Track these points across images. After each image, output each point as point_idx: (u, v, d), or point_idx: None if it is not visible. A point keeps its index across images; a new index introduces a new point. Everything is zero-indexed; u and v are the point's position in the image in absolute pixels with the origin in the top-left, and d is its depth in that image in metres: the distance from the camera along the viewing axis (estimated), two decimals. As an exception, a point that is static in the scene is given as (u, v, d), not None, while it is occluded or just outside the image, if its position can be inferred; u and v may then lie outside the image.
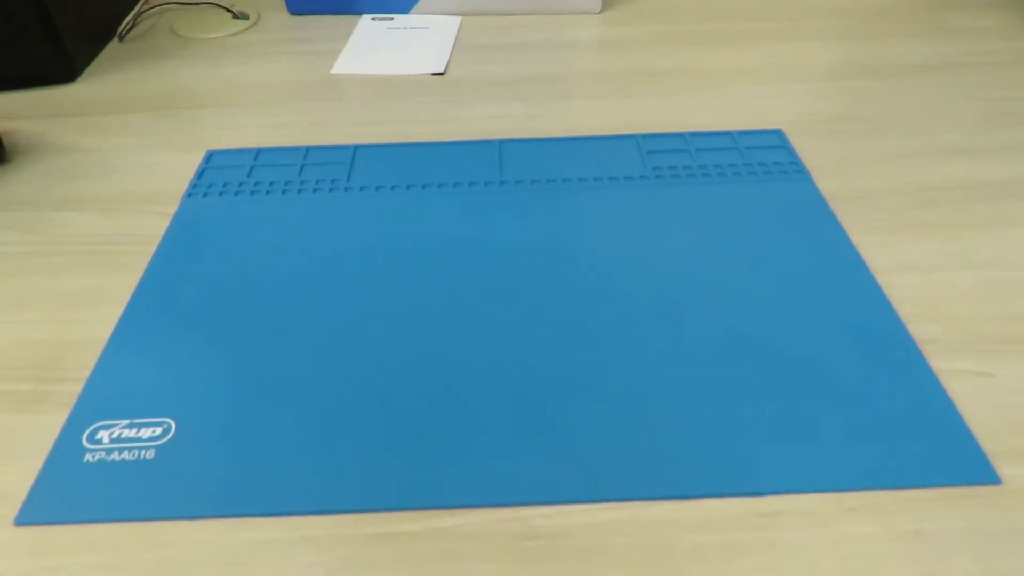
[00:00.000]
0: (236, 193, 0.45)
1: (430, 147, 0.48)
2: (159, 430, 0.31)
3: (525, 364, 0.33)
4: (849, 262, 0.38)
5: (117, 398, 0.32)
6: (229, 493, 0.29)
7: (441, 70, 0.58)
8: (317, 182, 0.45)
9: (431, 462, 0.30)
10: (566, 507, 0.28)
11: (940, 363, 0.33)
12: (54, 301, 0.38)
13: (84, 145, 0.51)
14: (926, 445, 0.30)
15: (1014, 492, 0.29)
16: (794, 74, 0.57)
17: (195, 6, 0.69)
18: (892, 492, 0.29)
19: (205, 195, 0.45)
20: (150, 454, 0.30)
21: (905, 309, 0.36)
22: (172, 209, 0.44)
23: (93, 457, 0.30)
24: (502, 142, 0.48)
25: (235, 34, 0.65)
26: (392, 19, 0.66)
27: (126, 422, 0.31)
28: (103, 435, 0.31)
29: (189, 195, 0.45)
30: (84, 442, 0.31)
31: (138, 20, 0.67)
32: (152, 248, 0.41)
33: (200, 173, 0.47)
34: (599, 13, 0.67)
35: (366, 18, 0.67)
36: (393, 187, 0.45)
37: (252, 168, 0.47)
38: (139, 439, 0.31)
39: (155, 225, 0.43)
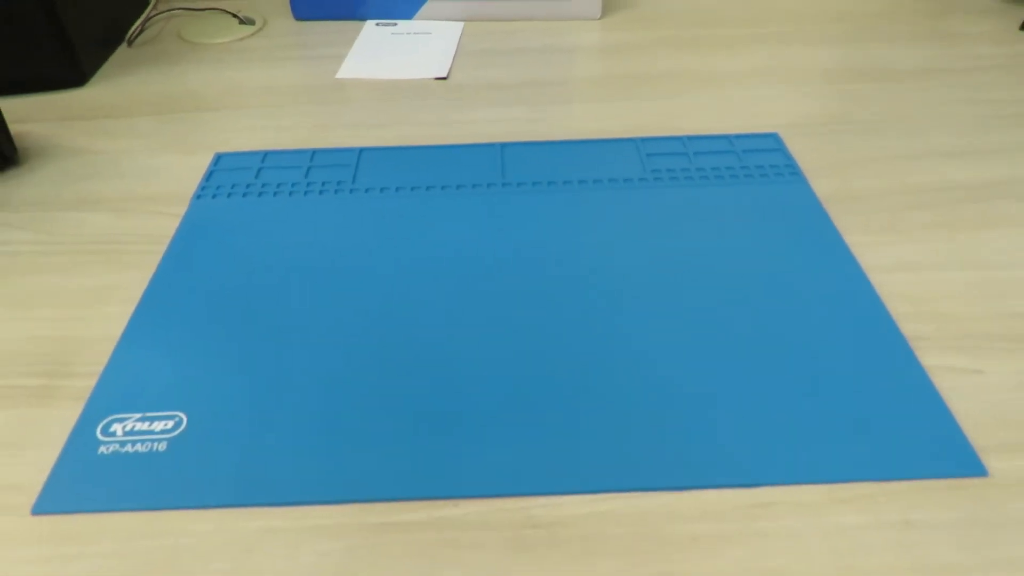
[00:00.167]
0: (244, 194, 0.46)
1: (434, 150, 0.49)
2: (171, 423, 0.32)
3: (526, 360, 0.34)
4: (843, 262, 0.39)
5: (130, 392, 0.33)
6: (239, 483, 0.30)
7: (444, 74, 0.59)
8: (323, 184, 0.46)
9: (435, 454, 0.31)
10: (565, 498, 0.29)
11: (931, 360, 0.34)
12: (66, 299, 0.39)
13: (94, 147, 0.52)
14: (916, 439, 0.31)
15: (1001, 485, 0.29)
16: (790, 78, 0.58)
17: (202, 12, 0.70)
18: (882, 484, 0.30)
19: (214, 196, 0.46)
20: (162, 446, 0.31)
21: (898, 308, 0.37)
22: (181, 210, 0.45)
23: (107, 449, 0.31)
24: (504, 145, 0.49)
25: (241, 39, 0.66)
26: (396, 25, 0.67)
27: (139, 415, 0.32)
28: (117, 428, 0.32)
29: (198, 196, 0.46)
30: (98, 435, 0.32)
31: (146, 25, 0.68)
32: (162, 248, 0.42)
33: (208, 175, 0.48)
34: (599, 19, 0.68)
35: (370, 23, 0.68)
36: (398, 189, 0.46)
37: (260, 170, 0.48)
38: (152, 432, 0.32)
39: (164, 225, 0.44)
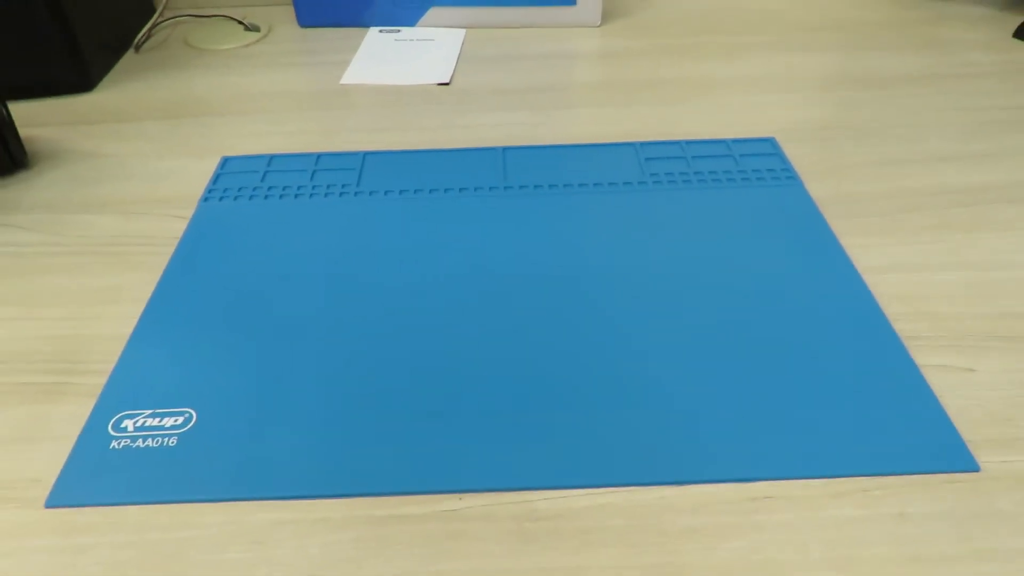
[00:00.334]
0: (251, 197, 0.46)
1: (437, 154, 0.50)
2: (181, 419, 0.33)
3: (528, 359, 0.35)
4: (838, 263, 0.40)
5: (140, 389, 0.34)
6: (248, 477, 0.30)
7: (447, 80, 0.60)
8: (328, 187, 0.47)
9: (439, 450, 0.31)
10: (566, 491, 0.30)
11: (924, 358, 0.35)
12: (77, 298, 0.40)
13: (102, 151, 0.53)
14: (910, 435, 0.32)
15: (992, 478, 0.30)
16: (786, 84, 0.59)
17: (208, 18, 0.71)
18: (877, 479, 0.30)
19: (221, 199, 0.46)
20: (173, 441, 0.32)
21: (891, 307, 0.38)
22: (189, 212, 0.46)
23: (119, 444, 0.32)
24: (506, 149, 0.50)
25: (247, 45, 0.67)
26: (399, 31, 0.68)
27: (149, 412, 0.33)
28: (128, 424, 0.33)
29: (205, 199, 0.47)
30: (110, 430, 0.32)
31: (153, 32, 0.69)
32: (170, 249, 0.43)
33: (216, 178, 0.48)
34: (599, 26, 0.69)
35: (374, 30, 0.69)
36: (401, 192, 0.46)
37: (266, 173, 0.49)
38: (162, 427, 0.32)
39: (172, 227, 0.45)
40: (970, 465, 0.30)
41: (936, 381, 0.34)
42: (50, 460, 0.32)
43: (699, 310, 0.37)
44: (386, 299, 0.39)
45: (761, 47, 0.65)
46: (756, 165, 0.48)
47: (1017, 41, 0.65)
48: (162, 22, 0.71)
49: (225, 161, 0.50)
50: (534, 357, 0.35)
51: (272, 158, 0.50)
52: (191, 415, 0.33)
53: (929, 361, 0.35)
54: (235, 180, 0.48)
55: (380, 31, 0.69)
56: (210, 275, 0.41)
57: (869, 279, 0.39)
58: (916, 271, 0.40)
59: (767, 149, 0.50)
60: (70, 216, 0.46)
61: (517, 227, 0.43)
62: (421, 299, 0.38)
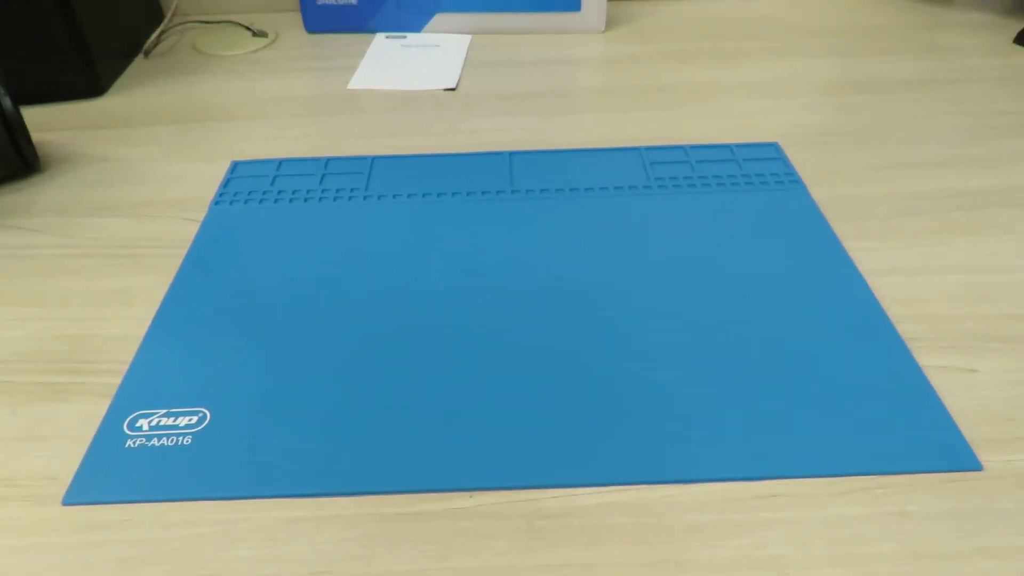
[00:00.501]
0: (260, 201, 0.47)
1: (444, 158, 0.51)
2: (195, 419, 0.33)
3: (536, 360, 0.36)
4: (841, 266, 0.41)
5: (154, 389, 0.35)
6: (261, 476, 0.31)
7: (453, 85, 0.61)
8: (337, 191, 0.48)
9: (449, 449, 0.32)
10: (574, 489, 0.30)
11: (926, 359, 0.36)
12: (90, 300, 0.41)
13: (113, 155, 0.54)
14: (912, 434, 0.32)
15: (994, 477, 0.31)
16: (788, 90, 0.60)
17: (216, 24, 0.72)
18: (880, 477, 0.31)
19: (231, 202, 0.47)
20: (187, 440, 0.32)
21: (893, 309, 0.38)
22: (200, 216, 0.46)
23: (134, 443, 0.32)
24: (512, 153, 0.51)
25: (255, 51, 0.68)
26: (405, 37, 0.69)
27: (163, 411, 0.34)
28: (143, 423, 0.33)
29: (216, 203, 0.47)
30: (125, 429, 0.33)
31: (162, 38, 0.70)
32: (181, 252, 0.44)
33: (226, 182, 0.49)
34: (603, 32, 0.70)
35: (380, 36, 0.70)
36: (410, 195, 0.47)
37: (275, 177, 0.49)
38: (176, 427, 0.33)
39: (184, 231, 0.45)
40: (972, 464, 0.31)
41: (938, 382, 0.34)
42: (66, 458, 0.32)
43: (705, 311, 0.38)
44: (395, 300, 0.39)
45: (763, 53, 0.66)
46: (760, 169, 0.49)
47: (1017, 47, 0.65)
48: (171, 28, 0.72)
49: (235, 165, 0.51)
50: (542, 358, 0.36)
51: (281, 162, 0.51)
52: (205, 415, 0.33)
53: (931, 362, 0.35)
54: (245, 184, 0.49)
55: (387, 37, 0.69)
56: (222, 277, 0.41)
57: (871, 281, 0.40)
58: (917, 274, 0.41)
59: (770, 154, 0.50)
60: (82, 219, 0.47)
61: (525, 230, 0.44)
62: (430, 300, 0.39)
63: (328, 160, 0.51)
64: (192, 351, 0.37)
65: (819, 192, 0.47)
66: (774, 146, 0.51)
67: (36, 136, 0.51)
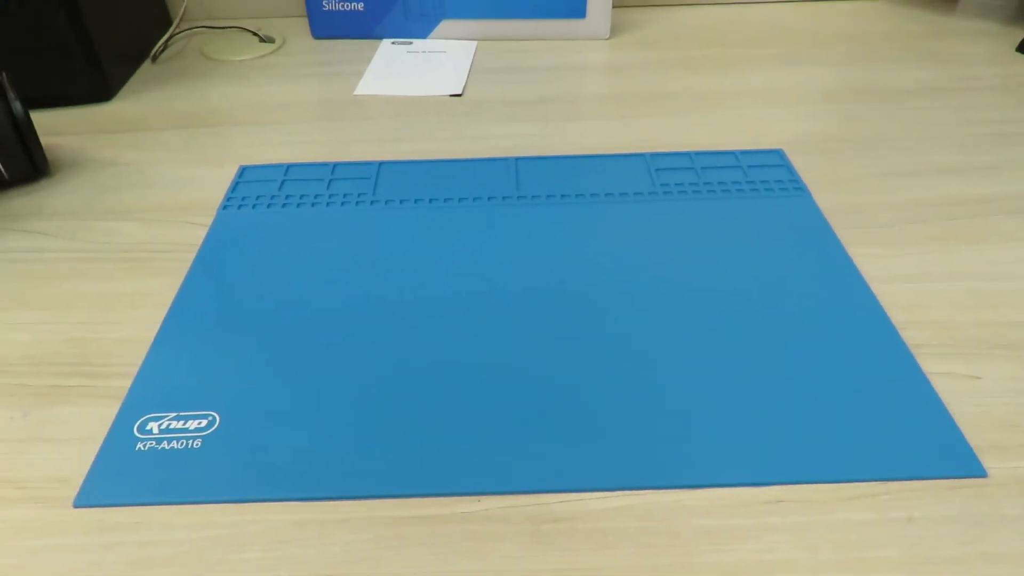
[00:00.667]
0: (268, 205, 0.47)
1: (451, 164, 0.51)
2: (204, 422, 0.33)
3: (542, 363, 0.36)
4: (845, 272, 0.41)
5: (164, 392, 0.35)
6: (271, 479, 0.31)
7: (459, 91, 0.61)
8: (345, 196, 0.48)
9: (457, 452, 0.32)
10: (582, 494, 0.31)
11: (931, 366, 0.36)
12: (100, 303, 0.41)
13: (122, 159, 0.54)
14: (917, 441, 0.32)
15: (998, 484, 0.31)
16: (792, 97, 0.60)
17: (223, 30, 0.72)
18: (886, 483, 0.31)
19: (240, 207, 0.47)
20: (197, 444, 0.33)
21: (898, 316, 0.38)
22: (208, 220, 0.47)
23: (144, 446, 0.33)
24: (518, 159, 0.51)
25: (262, 56, 0.69)
26: (411, 43, 0.70)
27: (173, 414, 0.34)
28: (152, 426, 0.33)
29: (224, 207, 0.48)
30: (135, 432, 0.33)
31: (169, 43, 0.71)
32: (190, 256, 0.44)
33: (234, 186, 0.49)
34: (607, 39, 0.70)
35: (386, 42, 0.70)
36: (417, 200, 0.47)
37: (283, 182, 0.50)
38: (186, 430, 0.33)
39: (193, 234, 0.46)
40: (977, 471, 0.31)
41: (943, 388, 0.35)
42: (77, 461, 0.32)
43: (711, 317, 0.38)
44: (403, 304, 0.39)
45: (767, 60, 0.66)
46: (764, 176, 0.49)
47: (1020, 55, 0.66)
48: (178, 33, 0.72)
49: (243, 170, 0.51)
50: (549, 363, 0.36)
51: (289, 167, 0.51)
52: (214, 418, 0.34)
53: (936, 369, 0.36)
54: (253, 188, 0.49)
55: (393, 43, 0.70)
56: (231, 281, 0.41)
57: (876, 288, 0.40)
58: (921, 281, 0.41)
59: (775, 160, 0.51)
60: (91, 223, 0.47)
61: (531, 235, 0.44)
62: (437, 304, 0.39)
63: (335, 165, 0.51)
64: (201, 354, 0.37)
65: (823, 199, 0.47)
66: (778, 153, 0.52)
67: (45, 140, 0.52)
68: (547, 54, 0.68)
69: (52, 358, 0.37)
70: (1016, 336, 0.37)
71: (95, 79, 0.61)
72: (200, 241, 0.45)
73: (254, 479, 0.31)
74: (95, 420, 0.34)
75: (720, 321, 0.38)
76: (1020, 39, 0.67)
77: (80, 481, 0.31)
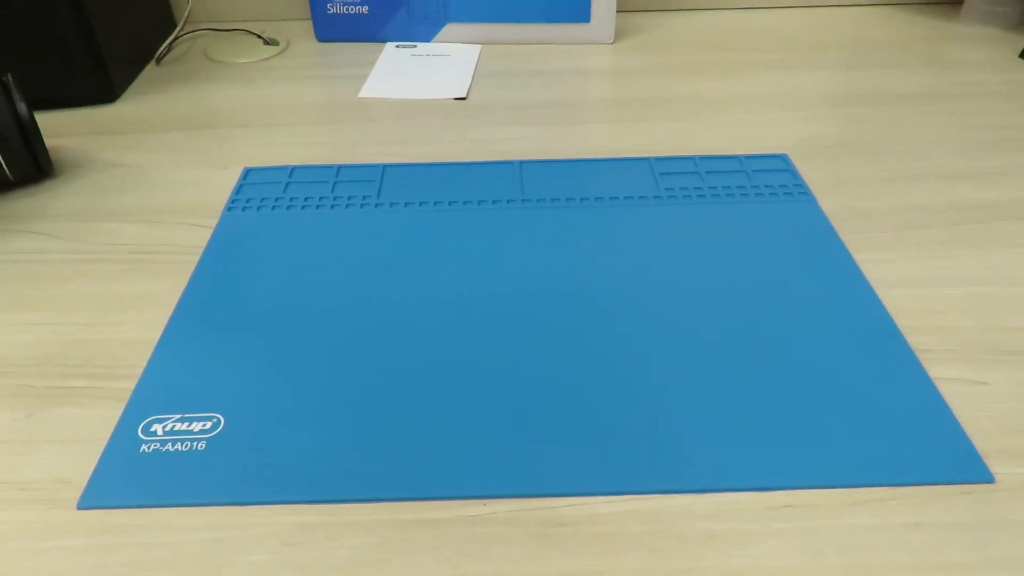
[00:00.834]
0: (273, 208, 0.47)
1: (455, 167, 0.51)
2: (209, 424, 0.33)
3: (547, 368, 0.36)
4: (851, 277, 0.41)
5: (168, 394, 0.35)
6: (276, 481, 0.31)
7: (463, 95, 0.61)
8: (349, 198, 0.48)
9: (463, 456, 0.32)
10: (589, 498, 0.31)
11: (937, 371, 0.36)
12: (104, 304, 0.41)
13: (126, 161, 0.54)
14: (924, 446, 0.32)
15: (1006, 489, 0.31)
16: (796, 102, 0.60)
17: (227, 32, 0.72)
18: (892, 489, 0.31)
19: (244, 209, 0.47)
20: (201, 446, 0.32)
21: (903, 321, 0.38)
22: (212, 222, 0.47)
23: (148, 448, 0.32)
24: (523, 163, 0.51)
25: (266, 59, 0.69)
26: (415, 47, 0.70)
27: (178, 416, 0.34)
28: (157, 428, 0.33)
29: (229, 209, 0.47)
30: (139, 434, 0.33)
31: (173, 45, 0.71)
32: (195, 257, 0.44)
33: (238, 188, 0.49)
34: (612, 43, 0.71)
35: (390, 46, 0.70)
36: (421, 203, 0.47)
37: (287, 184, 0.50)
38: (191, 432, 0.33)
39: (197, 236, 0.46)
40: (984, 476, 0.31)
41: (949, 394, 0.35)
42: (81, 462, 0.32)
43: (717, 322, 0.38)
44: (407, 307, 0.39)
45: (770, 65, 0.66)
46: (769, 181, 0.49)
47: (1023, 61, 0.66)
48: (182, 35, 0.72)
49: (247, 172, 0.51)
50: (554, 366, 0.36)
51: (293, 169, 0.51)
52: (219, 420, 0.34)
53: (942, 374, 0.36)
54: (257, 191, 0.49)
55: (397, 46, 0.70)
56: (235, 283, 0.41)
57: (881, 293, 0.40)
58: (927, 286, 0.41)
59: (779, 165, 0.51)
60: (95, 224, 0.47)
61: (536, 239, 0.44)
62: (441, 307, 0.39)
63: (340, 168, 0.51)
64: (206, 356, 0.37)
65: (828, 203, 0.47)
66: (783, 157, 0.52)
67: (49, 141, 0.52)
68: (551, 58, 0.68)
69: (56, 359, 0.37)
70: (1022, 342, 0.37)
71: (99, 81, 0.61)
72: (204, 243, 0.45)
73: (259, 481, 0.31)
74: (99, 421, 0.34)
75: (726, 325, 0.38)
76: (1023, 45, 0.67)
77: (84, 483, 0.31)
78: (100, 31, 0.59)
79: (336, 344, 0.37)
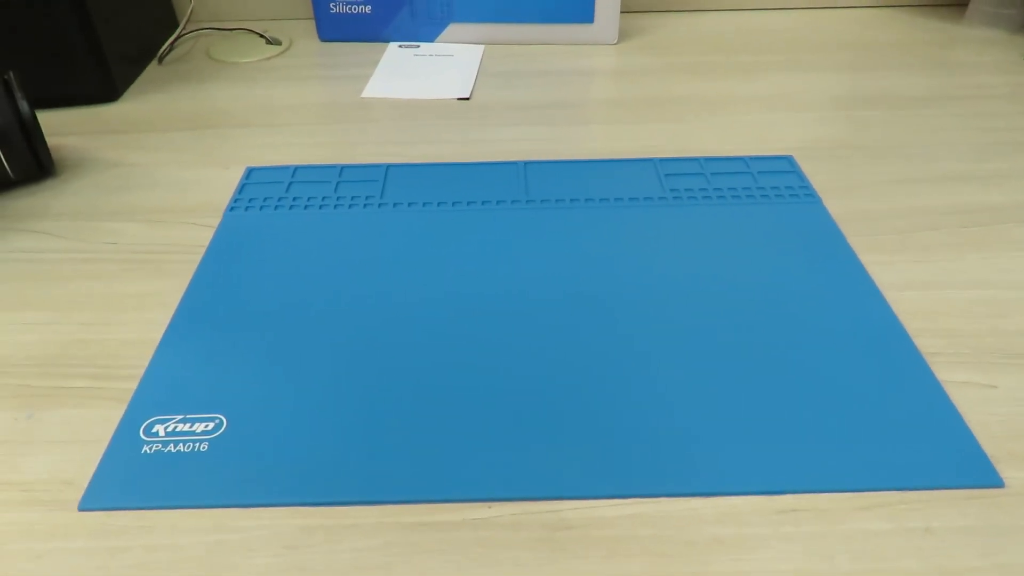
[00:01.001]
0: (276, 207, 0.47)
1: (459, 167, 0.51)
2: (211, 425, 0.33)
3: (552, 368, 0.35)
4: (858, 280, 0.41)
5: (170, 395, 0.35)
6: (280, 483, 0.31)
7: (467, 95, 0.61)
8: (352, 198, 0.48)
9: (468, 458, 0.32)
10: (595, 501, 0.30)
11: (945, 375, 0.35)
12: (105, 304, 0.40)
13: (128, 160, 0.54)
14: (933, 450, 0.32)
15: (1016, 494, 0.30)
16: (801, 104, 0.60)
17: (230, 32, 0.72)
18: (901, 493, 0.31)
19: (247, 209, 0.47)
20: (204, 447, 0.32)
21: (911, 324, 0.38)
22: (215, 221, 0.46)
23: (150, 449, 0.32)
24: (527, 163, 0.51)
25: (268, 59, 0.68)
26: (418, 47, 0.70)
27: (180, 417, 0.33)
28: (159, 429, 0.33)
29: (231, 208, 0.47)
30: (141, 435, 0.33)
31: (176, 44, 0.71)
32: (197, 257, 0.44)
33: (241, 188, 0.49)
34: (615, 44, 0.70)
35: (393, 45, 0.70)
36: (425, 204, 0.47)
37: (290, 184, 0.49)
38: (193, 432, 0.33)
39: (199, 236, 0.45)
40: (994, 481, 0.31)
41: (958, 397, 0.34)
42: (82, 463, 0.32)
43: (722, 324, 0.38)
44: (411, 308, 0.39)
45: (774, 66, 0.66)
46: (775, 182, 0.49)
47: (1027, 64, 0.66)
48: (184, 35, 0.72)
49: (250, 172, 0.51)
50: (559, 368, 0.36)
51: (296, 169, 0.51)
52: (221, 421, 0.33)
53: (950, 377, 0.35)
54: (260, 190, 0.49)
55: (400, 46, 0.70)
56: (237, 283, 0.41)
57: (888, 296, 0.40)
58: (934, 288, 0.41)
59: (785, 167, 0.50)
60: (97, 223, 0.47)
61: (540, 240, 0.44)
62: (446, 309, 0.39)
63: (343, 167, 0.51)
64: (208, 357, 0.37)
65: (834, 206, 0.47)
66: (788, 159, 0.51)
67: (51, 140, 0.51)
68: (555, 58, 0.68)
69: (57, 359, 0.37)
70: (1030, 345, 0.37)
71: (101, 80, 0.60)
72: (206, 243, 0.45)
73: (262, 483, 0.31)
74: (100, 422, 0.34)
75: (733, 327, 0.38)
76: (1028, 48, 0.67)
77: (85, 484, 0.31)
78: (102, 30, 0.59)
79: (340, 345, 0.37)
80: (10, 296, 0.41)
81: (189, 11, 0.72)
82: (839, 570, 0.28)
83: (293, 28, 0.74)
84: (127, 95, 0.63)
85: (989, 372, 0.36)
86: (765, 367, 0.35)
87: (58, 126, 0.57)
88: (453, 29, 0.69)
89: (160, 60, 0.68)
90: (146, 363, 0.36)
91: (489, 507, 0.30)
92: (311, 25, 0.72)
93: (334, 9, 0.69)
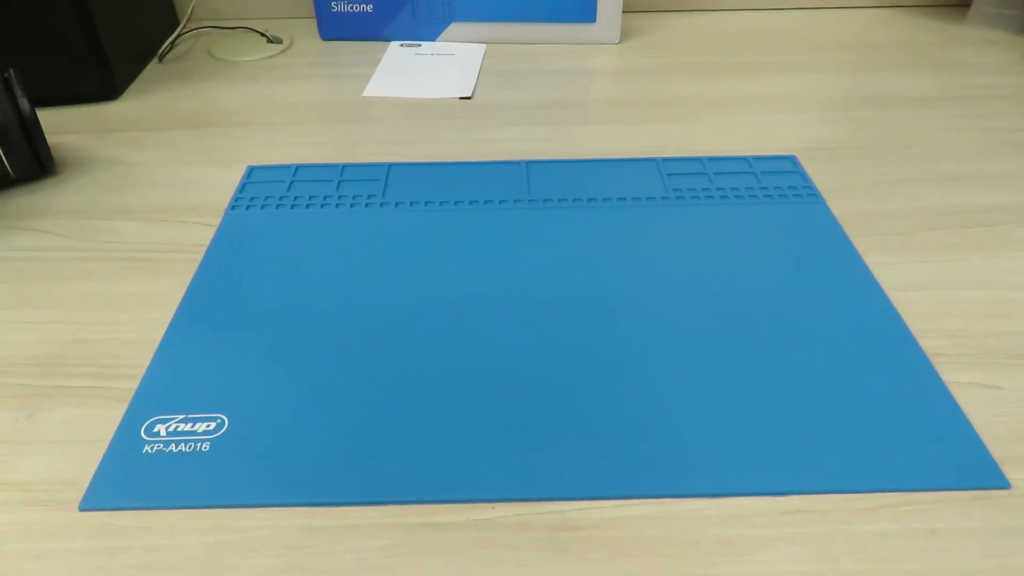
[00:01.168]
0: (277, 206, 0.47)
1: (461, 166, 0.51)
2: (213, 424, 0.33)
3: (556, 368, 0.35)
4: (862, 280, 0.41)
5: (172, 394, 0.34)
6: (281, 483, 0.31)
7: (468, 94, 0.61)
8: (354, 197, 0.48)
9: (471, 458, 0.31)
10: (599, 502, 0.30)
11: (950, 375, 0.35)
12: (106, 303, 0.40)
13: (128, 159, 0.53)
14: (938, 451, 0.32)
15: (1022, 495, 0.30)
16: (803, 104, 0.60)
17: (231, 30, 0.72)
18: (906, 494, 0.30)
19: (248, 208, 0.47)
20: (205, 447, 0.32)
21: (915, 324, 0.38)
22: (216, 220, 0.46)
23: (151, 448, 0.32)
24: (529, 163, 0.51)
25: (269, 57, 0.68)
26: (420, 46, 0.69)
27: (181, 417, 0.33)
28: (160, 428, 0.33)
29: (232, 207, 0.47)
30: (142, 434, 0.33)
31: (176, 43, 0.70)
32: (198, 256, 0.43)
33: (242, 187, 0.49)
34: (617, 44, 0.70)
35: (395, 44, 0.70)
36: (427, 203, 0.47)
37: (291, 183, 0.49)
38: (194, 432, 0.33)
39: (200, 235, 0.45)
40: (1000, 482, 0.31)
41: (963, 398, 0.34)
42: (83, 463, 0.32)
43: (726, 324, 0.38)
44: (413, 307, 0.39)
45: (776, 67, 0.66)
46: (778, 182, 0.49)
47: (1030, 65, 0.66)
48: (185, 33, 0.72)
49: (251, 171, 0.51)
50: (562, 368, 0.35)
51: (297, 168, 0.51)
52: (223, 420, 0.33)
53: (955, 378, 0.35)
54: (261, 189, 0.49)
55: (401, 45, 0.70)
56: (238, 282, 0.41)
57: (892, 296, 0.40)
58: (938, 289, 0.41)
59: (788, 167, 0.50)
60: (98, 222, 0.47)
61: (542, 239, 0.44)
62: (447, 308, 0.39)
63: (344, 167, 0.51)
64: (209, 356, 0.36)
65: (836, 206, 0.47)
66: (791, 159, 0.51)
67: (51, 139, 0.51)
68: (557, 58, 0.68)
69: (57, 358, 0.37)
70: (1035, 346, 0.37)
71: (102, 78, 0.60)
72: (207, 242, 0.44)
73: (263, 483, 0.31)
74: (101, 422, 0.33)
75: (737, 328, 0.38)
76: (1030, 49, 0.67)
77: (86, 484, 0.31)
78: (103, 28, 0.59)
79: (341, 344, 0.37)
80: (10, 295, 0.41)
81: (190, 9, 0.72)
82: (843, 571, 0.28)
83: (294, 27, 0.74)
84: (128, 94, 0.62)
85: (993, 373, 0.36)
86: (769, 367, 0.35)
87: (58, 124, 0.57)
88: (455, 28, 0.69)
89: (161, 59, 0.68)
90: (147, 362, 0.36)
91: (492, 508, 0.30)
92: (312, 24, 0.72)
93: (335, 8, 0.69)
